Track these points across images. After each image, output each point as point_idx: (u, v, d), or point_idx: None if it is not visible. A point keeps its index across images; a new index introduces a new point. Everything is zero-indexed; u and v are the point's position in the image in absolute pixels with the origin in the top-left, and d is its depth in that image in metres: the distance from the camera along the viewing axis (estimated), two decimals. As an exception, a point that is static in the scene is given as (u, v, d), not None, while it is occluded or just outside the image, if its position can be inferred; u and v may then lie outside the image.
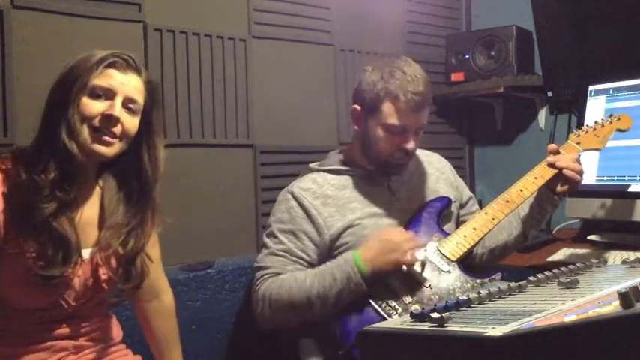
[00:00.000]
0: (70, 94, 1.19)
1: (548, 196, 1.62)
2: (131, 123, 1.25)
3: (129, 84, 1.23)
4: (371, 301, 1.49)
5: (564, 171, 1.57)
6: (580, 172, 1.58)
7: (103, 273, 1.30)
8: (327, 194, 1.65)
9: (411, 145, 1.60)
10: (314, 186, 1.66)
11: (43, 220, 1.17)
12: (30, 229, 1.18)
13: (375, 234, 1.55)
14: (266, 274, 1.57)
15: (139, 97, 1.26)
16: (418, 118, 1.60)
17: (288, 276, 1.54)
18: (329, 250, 1.62)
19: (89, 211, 1.29)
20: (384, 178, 1.70)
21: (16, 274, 1.20)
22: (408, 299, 1.51)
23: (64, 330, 1.29)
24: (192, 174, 1.99)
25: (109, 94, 1.21)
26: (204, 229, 2.01)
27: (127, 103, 1.23)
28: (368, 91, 1.60)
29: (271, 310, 1.53)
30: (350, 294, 1.48)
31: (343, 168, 1.70)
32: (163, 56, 1.94)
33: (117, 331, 1.43)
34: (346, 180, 1.69)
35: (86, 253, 1.27)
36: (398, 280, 1.52)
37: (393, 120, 1.57)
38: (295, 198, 1.63)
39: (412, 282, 1.53)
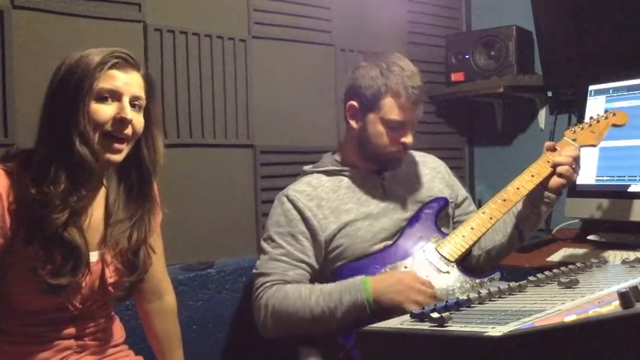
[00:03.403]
0: (77, 101, 1.17)
1: (540, 194, 1.61)
2: (139, 120, 1.25)
3: (132, 82, 1.23)
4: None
5: (562, 167, 1.57)
6: (576, 170, 1.59)
7: (110, 276, 1.30)
8: (322, 196, 1.65)
9: (409, 140, 1.62)
10: (308, 188, 1.66)
11: (53, 230, 1.17)
12: (39, 239, 1.17)
13: (395, 272, 1.54)
14: (268, 281, 1.56)
15: (142, 92, 1.26)
16: (416, 113, 1.63)
17: (292, 289, 1.53)
18: (325, 254, 1.62)
19: (97, 214, 1.29)
20: (378, 177, 1.70)
21: (23, 279, 1.20)
22: None
23: (70, 330, 1.29)
24: (192, 174, 1.99)
25: (115, 95, 1.21)
26: (204, 229, 2.01)
27: (133, 101, 1.23)
28: (368, 87, 1.61)
29: (273, 321, 1.53)
30: (354, 318, 1.46)
31: (337, 168, 1.71)
32: (163, 56, 1.93)
33: (120, 332, 1.44)
34: (340, 181, 1.69)
35: (94, 256, 1.27)
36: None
37: (394, 115, 1.59)
38: (290, 200, 1.63)
39: None
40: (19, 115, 1.64)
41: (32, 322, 1.25)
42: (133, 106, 1.23)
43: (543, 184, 1.60)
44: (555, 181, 1.58)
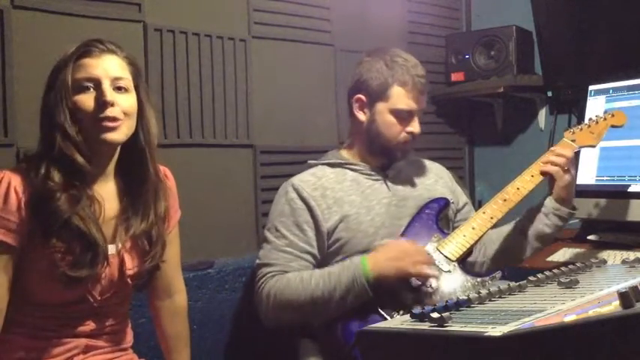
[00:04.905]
0: (57, 98, 1.19)
1: (552, 205, 1.60)
2: (127, 101, 1.24)
3: (108, 65, 1.23)
4: (378, 308, 1.49)
5: (551, 167, 1.57)
6: (569, 171, 1.58)
7: (128, 268, 1.30)
8: (326, 186, 1.65)
9: (417, 129, 1.65)
10: (313, 178, 1.67)
11: (63, 220, 1.18)
12: (55, 232, 1.19)
13: (387, 243, 1.55)
14: (271, 271, 1.57)
15: (124, 73, 1.25)
16: (423, 101, 1.67)
17: (293, 275, 1.53)
18: (327, 246, 1.62)
19: (109, 206, 1.29)
20: (382, 174, 1.71)
21: (44, 273, 1.21)
22: (409, 301, 1.50)
23: (89, 326, 1.30)
24: (192, 174, 1.99)
25: (94, 82, 1.21)
26: (204, 229, 2.01)
27: (115, 83, 1.23)
28: (374, 79, 1.65)
29: (275, 309, 1.53)
30: (355, 298, 1.47)
31: (342, 161, 1.71)
32: (163, 56, 1.93)
33: (129, 336, 1.44)
34: (345, 173, 1.69)
35: (111, 249, 1.28)
36: (409, 292, 1.52)
37: (402, 104, 1.63)
38: (295, 189, 1.64)
39: (421, 294, 1.52)
40: (19, 115, 1.64)
41: (52, 315, 1.25)
42: (117, 88, 1.23)
43: (556, 199, 1.59)
44: (554, 185, 1.59)
